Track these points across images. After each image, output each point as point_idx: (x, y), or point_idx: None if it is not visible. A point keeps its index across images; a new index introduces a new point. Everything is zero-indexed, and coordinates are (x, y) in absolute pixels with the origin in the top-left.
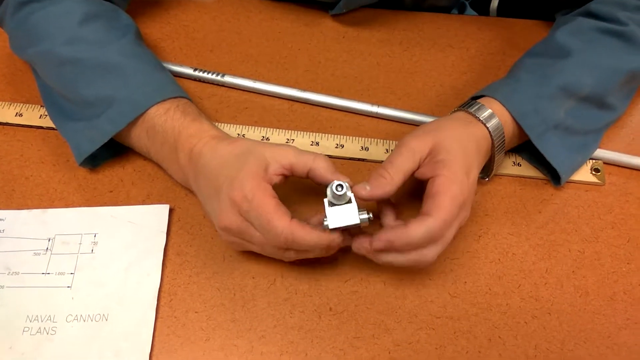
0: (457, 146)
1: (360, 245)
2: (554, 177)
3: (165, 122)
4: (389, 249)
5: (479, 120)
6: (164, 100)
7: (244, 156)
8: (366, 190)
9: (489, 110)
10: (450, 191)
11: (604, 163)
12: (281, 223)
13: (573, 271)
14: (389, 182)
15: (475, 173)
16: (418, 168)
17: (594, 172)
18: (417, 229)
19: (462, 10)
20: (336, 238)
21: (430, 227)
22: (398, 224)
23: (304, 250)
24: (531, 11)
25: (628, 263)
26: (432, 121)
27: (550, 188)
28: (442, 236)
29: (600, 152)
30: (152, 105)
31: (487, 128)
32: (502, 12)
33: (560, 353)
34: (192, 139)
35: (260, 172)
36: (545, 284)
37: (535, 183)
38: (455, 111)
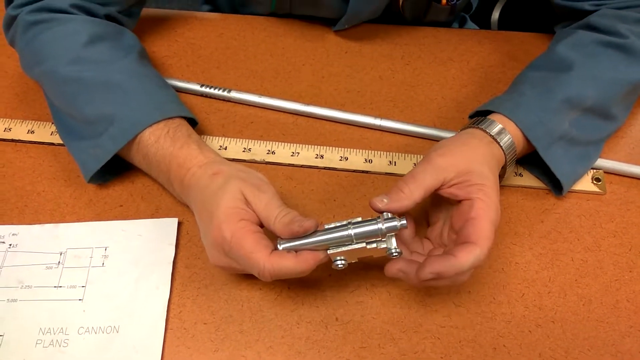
0: (487, 169)
1: (400, 272)
2: (555, 187)
3: (157, 152)
4: (437, 279)
5: (495, 140)
6: (157, 123)
7: (221, 191)
8: (383, 203)
9: (500, 126)
10: (489, 217)
11: (605, 172)
12: (261, 259)
13: (576, 280)
14: (407, 197)
15: (499, 192)
16: (442, 187)
17: (595, 182)
18: (467, 259)
19: (462, 23)
20: (311, 260)
21: (478, 257)
22: (438, 252)
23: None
24: (531, 23)
25: (630, 271)
26: (453, 139)
27: (552, 198)
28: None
29: (601, 162)
30: (150, 125)
31: (502, 147)
32: (502, 24)
33: None
34: (181, 169)
35: (237, 208)
36: (549, 293)
37: (537, 193)
38: (468, 127)
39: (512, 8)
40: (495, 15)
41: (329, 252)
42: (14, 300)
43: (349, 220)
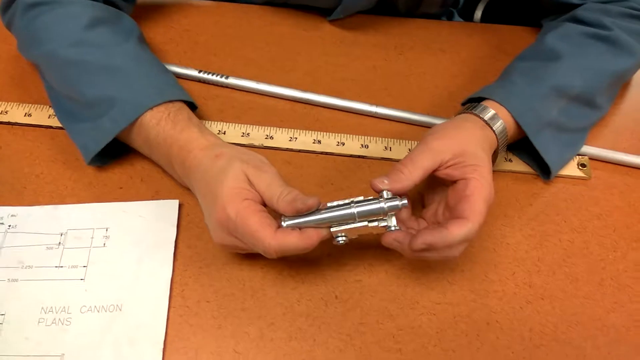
0: (481, 151)
1: (395, 241)
2: (543, 171)
3: (158, 135)
4: (428, 249)
5: (488, 124)
6: (158, 106)
7: (224, 172)
8: (384, 183)
9: (493, 111)
10: (483, 195)
11: (590, 158)
12: (267, 237)
13: (563, 259)
14: (407, 178)
15: (492, 173)
16: (438, 168)
17: (580, 167)
18: (458, 232)
19: (450, 18)
20: (315, 236)
21: (469, 231)
22: (425, 224)
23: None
24: (513, 20)
25: (614, 251)
26: (448, 123)
27: (540, 182)
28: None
29: (586, 149)
30: (151, 108)
31: (494, 132)
32: (485, 20)
33: (554, 335)
34: (182, 151)
35: (241, 188)
36: (538, 272)
37: (526, 178)
38: (462, 112)
39: (495, 5)
40: (478, 13)
41: (332, 229)
42: (15, 280)
43: (352, 199)
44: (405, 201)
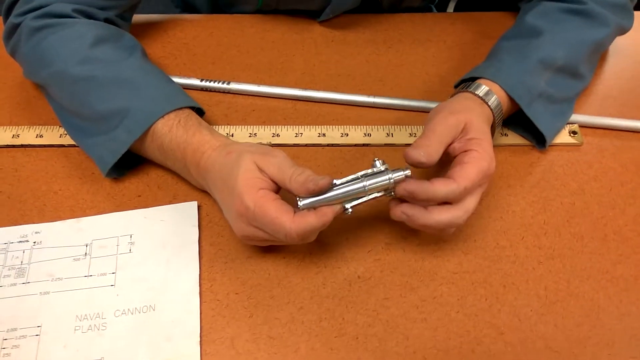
0: (484, 126)
1: (403, 214)
2: (538, 141)
3: (171, 142)
4: (411, 198)
5: (484, 101)
6: (168, 114)
7: (236, 166)
8: (420, 155)
9: (486, 88)
10: (479, 165)
11: (580, 126)
12: (287, 222)
13: (567, 220)
14: (436, 151)
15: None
16: (452, 143)
17: (572, 135)
18: (440, 188)
19: (428, 12)
20: (330, 213)
21: (452, 191)
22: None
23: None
24: (486, 8)
25: (613, 208)
26: (451, 102)
27: (536, 152)
28: (460, 201)
29: (575, 117)
30: (162, 116)
31: (490, 107)
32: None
33: (567, 291)
34: (196, 153)
35: (255, 178)
36: (545, 234)
37: (523, 149)
38: (457, 92)
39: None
40: (452, 5)
41: (346, 205)
42: (47, 293)
43: (363, 173)
44: (409, 171)
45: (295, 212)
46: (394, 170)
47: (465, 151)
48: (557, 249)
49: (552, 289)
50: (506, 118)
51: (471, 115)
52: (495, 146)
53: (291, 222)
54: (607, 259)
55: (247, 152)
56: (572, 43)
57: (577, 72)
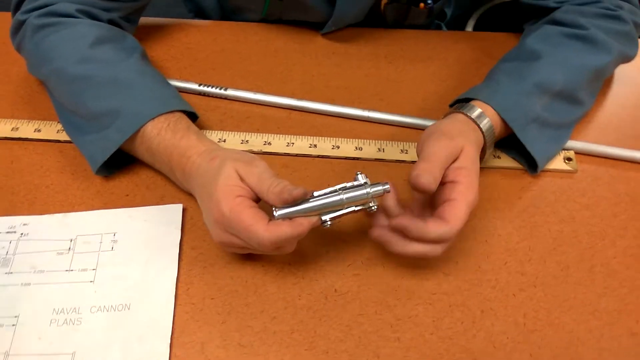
0: (475, 154)
1: (380, 237)
2: (530, 166)
3: (159, 145)
4: (403, 233)
5: (476, 123)
6: (159, 117)
7: (217, 173)
8: (430, 180)
9: (479, 110)
10: (467, 200)
11: (576, 152)
12: (260, 230)
13: (554, 248)
14: (439, 173)
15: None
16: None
17: (566, 161)
18: (434, 230)
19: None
20: (306, 223)
21: (445, 233)
22: (405, 212)
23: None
24: (503, 29)
25: (603, 239)
26: (442, 123)
27: (527, 177)
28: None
29: (571, 143)
30: (152, 119)
31: (482, 130)
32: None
33: (548, 320)
34: (182, 158)
35: (233, 186)
36: (530, 260)
37: (515, 173)
38: (450, 113)
39: (486, 20)
40: (470, 26)
41: (322, 217)
42: (28, 284)
43: (342, 185)
44: (388, 186)
45: (270, 221)
46: (373, 185)
47: (453, 182)
48: (540, 276)
49: (531, 317)
50: (499, 140)
51: (465, 142)
52: (486, 168)
53: (264, 230)
54: (591, 291)
55: (230, 159)
56: (571, 68)
57: (576, 97)
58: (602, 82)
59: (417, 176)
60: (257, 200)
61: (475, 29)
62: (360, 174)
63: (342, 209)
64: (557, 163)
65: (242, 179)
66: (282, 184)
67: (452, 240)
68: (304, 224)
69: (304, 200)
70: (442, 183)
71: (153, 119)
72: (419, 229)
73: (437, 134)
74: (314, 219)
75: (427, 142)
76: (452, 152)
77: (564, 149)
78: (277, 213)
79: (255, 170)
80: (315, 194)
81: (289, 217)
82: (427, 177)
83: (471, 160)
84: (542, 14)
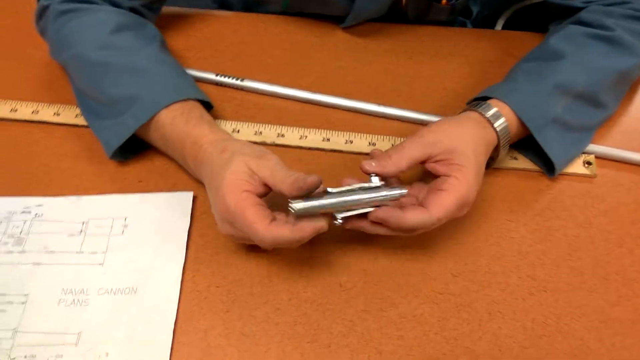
0: (472, 152)
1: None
2: (548, 169)
3: (173, 132)
4: (383, 224)
5: (491, 124)
6: (173, 104)
7: (226, 166)
8: (372, 166)
9: (495, 109)
10: (456, 193)
11: (596, 157)
12: (261, 229)
13: (568, 253)
14: (394, 164)
15: (482, 174)
16: (426, 160)
17: (586, 165)
18: (412, 218)
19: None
20: (308, 229)
21: (424, 221)
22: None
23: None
24: (533, 29)
25: (620, 246)
26: (449, 119)
27: (545, 179)
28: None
29: (592, 147)
30: (167, 106)
31: (496, 131)
32: None
33: (557, 326)
34: (194, 146)
35: (241, 180)
36: (542, 265)
37: (531, 175)
38: (465, 110)
39: (516, 21)
40: (500, 25)
41: (338, 216)
42: (39, 264)
43: (360, 185)
44: (405, 191)
45: (273, 220)
46: (392, 188)
47: (447, 175)
48: (552, 282)
49: (540, 322)
50: (517, 141)
51: (461, 138)
52: (502, 168)
53: (264, 230)
54: (605, 299)
55: (240, 153)
56: (594, 69)
57: (598, 100)
58: (628, 85)
59: (364, 161)
60: (264, 194)
61: (504, 29)
62: (375, 175)
63: (357, 209)
64: (576, 167)
65: (253, 173)
66: (295, 174)
67: (432, 228)
68: (305, 230)
69: (322, 195)
70: (437, 175)
71: (167, 106)
72: (397, 220)
73: (432, 127)
74: (319, 225)
75: (416, 132)
76: (428, 143)
77: (584, 153)
78: (294, 205)
79: (267, 164)
80: (332, 190)
81: (307, 212)
82: (369, 161)
83: (467, 159)
84: (568, 14)
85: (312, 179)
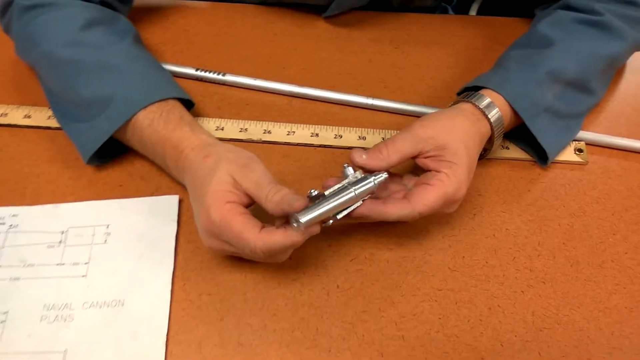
0: (463, 148)
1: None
2: (540, 157)
3: (151, 135)
4: (365, 219)
5: (485, 115)
6: (151, 105)
7: (210, 175)
8: (362, 158)
9: (488, 99)
10: (443, 190)
11: (587, 144)
12: (251, 238)
13: (564, 243)
14: (384, 158)
15: (474, 169)
16: (418, 155)
17: (577, 153)
18: (393, 212)
19: (444, 13)
20: (300, 234)
21: (404, 215)
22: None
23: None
24: (509, 13)
25: (614, 234)
26: (441, 113)
27: (537, 168)
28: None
29: (582, 134)
30: (145, 107)
31: (490, 122)
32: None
33: (556, 318)
34: (175, 151)
35: (224, 191)
36: (539, 256)
37: (523, 165)
38: (458, 102)
39: (490, 4)
40: (474, 10)
41: (337, 216)
42: (17, 279)
43: (347, 181)
44: (386, 174)
45: (262, 228)
46: (376, 174)
47: (436, 171)
48: (549, 272)
49: (540, 314)
50: (509, 131)
51: (453, 134)
52: (494, 159)
53: (255, 238)
54: (602, 288)
55: (225, 160)
56: (585, 56)
57: (589, 87)
58: (614, 70)
59: (353, 150)
60: (249, 205)
61: (479, 12)
62: (348, 166)
63: (352, 205)
64: (568, 154)
65: (236, 183)
66: (281, 191)
67: (415, 220)
68: (299, 233)
69: (322, 200)
70: (427, 170)
71: (145, 107)
72: (378, 213)
73: (425, 121)
74: (312, 228)
75: (408, 126)
76: (419, 139)
77: (575, 140)
78: (301, 219)
79: (252, 175)
80: (326, 193)
81: (312, 222)
82: (359, 152)
83: (459, 157)
84: None
85: (298, 204)
